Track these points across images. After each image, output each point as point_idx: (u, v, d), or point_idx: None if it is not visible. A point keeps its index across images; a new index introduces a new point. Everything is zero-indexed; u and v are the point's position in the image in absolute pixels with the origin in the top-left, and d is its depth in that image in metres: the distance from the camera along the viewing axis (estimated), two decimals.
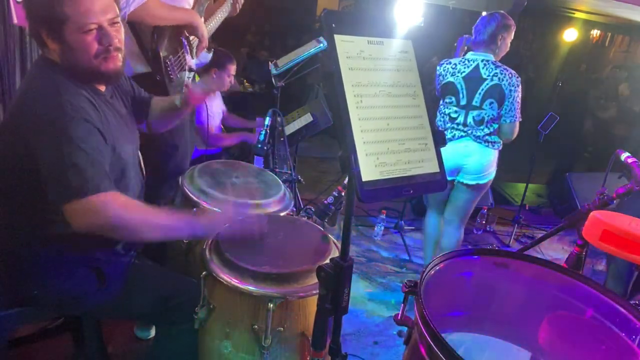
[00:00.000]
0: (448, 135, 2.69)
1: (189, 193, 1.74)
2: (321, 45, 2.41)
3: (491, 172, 2.74)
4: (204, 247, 1.46)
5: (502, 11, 2.66)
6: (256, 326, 1.31)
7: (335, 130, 1.14)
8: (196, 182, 1.80)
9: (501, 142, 2.70)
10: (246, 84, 6.11)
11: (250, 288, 1.29)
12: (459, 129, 2.67)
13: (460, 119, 2.66)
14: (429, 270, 1.18)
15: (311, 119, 3.07)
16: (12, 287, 1.50)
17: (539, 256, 2.92)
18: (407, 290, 1.13)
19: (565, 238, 4.15)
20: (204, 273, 1.40)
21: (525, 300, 1.36)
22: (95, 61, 1.35)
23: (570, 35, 6.36)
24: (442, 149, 2.83)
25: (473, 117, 2.63)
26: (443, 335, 0.94)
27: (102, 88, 1.48)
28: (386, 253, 3.58)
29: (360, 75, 1.18)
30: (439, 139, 1.31)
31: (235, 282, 1.31)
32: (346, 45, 1.17)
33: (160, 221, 1.35)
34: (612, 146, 3.01)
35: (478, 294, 1.37)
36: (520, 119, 2.65)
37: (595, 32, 8.89)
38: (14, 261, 1.47)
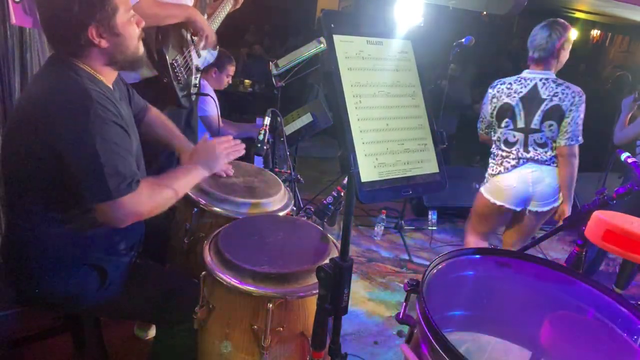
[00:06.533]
0: (511, 162, 2.48)
1: (190, 193, 1.73)
2: (321, 45, 2.41)
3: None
4: (204, 246, 1.46)
5: (560, 20, 2.45)
6: (255, 326, 1.31)
7: (335, 130, 1.14)
8: None
9: None
10: (246, 83, 6.11)
11: (250, 288, 1.29)
12: (521, 155, 2.47)
13: (520, 143, 2.46)
14: (431, 269, 1.18)
15: (311, 119, 3.06)
16: (14, 286, 1.50)
17: (539, 256, 2.92)
18: (409, 288, 1.13)
19: (565, 238, 4.15)
20: (203, 273, 1.39)
21: (526, 299, 1.36)
22: (138, 45, 1.46)
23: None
24: (506, 178, 2.54)
25: (534, 140, 2.43)
26: (444, 334, 0.94)
27: (111, 86, 1.49)
28: (386, 253, 3.58)
29: (359, 75, 1.18)
30: (439, 139, 1.31)
31: (234, 282, 1.30)
32: (345, 46, 1.17)
33: (180, 186, 1.50)
34: (612, 146, 3.01)
35: (479, 293, 1.37)
36: (582, 142, 2.41)
37: (595, 32, 8.90)
38: (16, 260, 1.47)
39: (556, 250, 3.95)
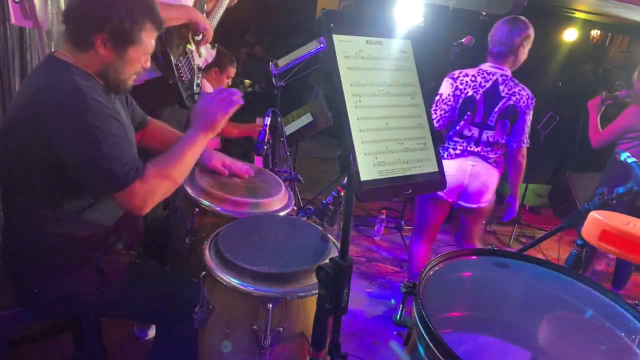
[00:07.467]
0: (457, 151, 2.46)
1: (191, 193, 1.74)
2: (322, 45, 2.41)
3: (493, 196, 2.56)
4: (204, 246, 1.46)
5: (522, 17, 2.44)
6: (255, 326, 1.31)
7: (335, 130, 1.15)
8: (197, 182, 1.79)
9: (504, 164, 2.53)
10: (246, 83, 6.11)
11: (250, 288, 1.29)
12: (470, 147, 2.45)
13: (473, 137, 2.44)
14: (428, 271, 1.18)
15: (311, 118, 3.06)
16: (14, 286, 1.50)
17: (539, 256, 2.93)
18: (405, 290, 1.13)
19: (565, 238, 4.15)
20: (203, 273, 1.40)
21: (525, 300, 1.36)
22: (131, 77, 1.49)
23: (570, 35, 6.35)
24: (447, 165, 2.37)
25: (487, 137, 2.43)
26: (442, 335, 0.94)
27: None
28: (386, 253, 3.59)
29: (359, 75, 1.18)
30: (438, 138, 1.31)
31: (234, 282, 1.31)
32: (345, 45, 1.17)
33: (185, 157, 1.49)
34: (612, 146, 3.01)
35: (477, 294, 1.37)
36: (528, 145, 2.47)
37: (595, 32, 8.88)
38: (16, 260, 1.47)
39: (556, 251, 3.95)
